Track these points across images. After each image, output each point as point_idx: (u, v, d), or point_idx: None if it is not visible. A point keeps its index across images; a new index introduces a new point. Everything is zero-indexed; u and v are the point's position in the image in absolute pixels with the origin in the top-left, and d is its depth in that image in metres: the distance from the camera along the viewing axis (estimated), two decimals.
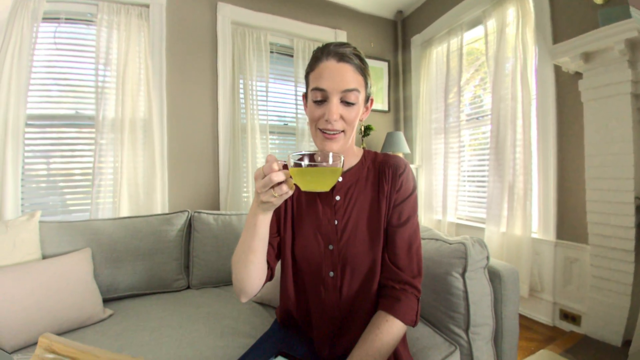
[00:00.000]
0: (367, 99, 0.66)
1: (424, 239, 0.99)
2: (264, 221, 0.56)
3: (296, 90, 2.12)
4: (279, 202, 0.51)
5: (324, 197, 0.67)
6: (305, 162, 0.49)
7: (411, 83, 2.50)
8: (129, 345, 0.86)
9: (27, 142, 1.46)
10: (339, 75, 0.59)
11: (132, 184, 1.60)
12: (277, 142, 2.12)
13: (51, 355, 0.27)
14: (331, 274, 0.65)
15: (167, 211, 1.67)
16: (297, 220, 0.69)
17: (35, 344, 0.79)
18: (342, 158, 0.51)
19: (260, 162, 1.91)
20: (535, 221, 1.68)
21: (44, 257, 1.10)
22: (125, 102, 1.57)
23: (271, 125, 2.02)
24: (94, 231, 1.21)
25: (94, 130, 1.54)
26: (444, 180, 2.15)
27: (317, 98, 0.60)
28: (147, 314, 1.06)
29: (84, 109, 1.60)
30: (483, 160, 2.01)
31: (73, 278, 1.03)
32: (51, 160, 1.55)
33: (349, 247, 0.64)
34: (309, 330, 0.70)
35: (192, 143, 1.84)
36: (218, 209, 1.77)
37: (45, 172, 1.53)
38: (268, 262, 0.67)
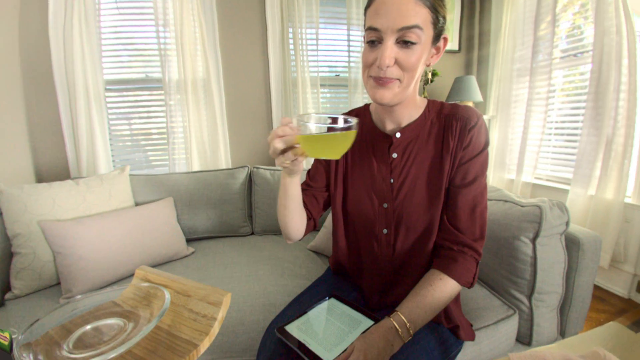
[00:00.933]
0: (438, 37, 0.54)
1: (490, 200, 0.92)
2: (291, 184, 0.57)
3: (349, 35, 1.95)
4: (295, 167, 0.50)
5: (380, 154, 0.64)
6: (311, 126, 0.44)
7: (490, 13, 2.08)
8: (208, 278, 1.03)
9: (109, 105, 1.67)
10: (396, 10, 0.48)
11: (199, 141, 1.75)
12: (328, 95, 2.06)
13: (146, 284, 0.33)
14: (385, 231, 0.65)
15: (230, 166, 1.81)
16: (350, 177, 0.68)
17: (131, 275, 1.00)
18: (356, 121, 0.44)
19: None
20: (631, 184, 1.42)
21: (136, 205, 1.32)
22: (185, 62, 1.65)
23: (322, 77, 1.94)
24: (173, 183, 1.39)
25: (163, 92, 1.68)
26: (523, 133, 1.87)
27: (370, 38, 0.52)
28: (221, 253, 1.23)
29: (152, 72, 1.73)
30: (577, 108, 1.67)
31: (161, 221, 1.22)
32: (132, 121, 1.76)
33: (404, 207, 0.62)
34: (359, 279, 0.74)
35: (247, 100, 1.90)
36: (274, 164, 1.86)
37: (128, 132, 1.76)
38: (310, 214, 0.69)
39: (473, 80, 1.96)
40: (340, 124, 0.43)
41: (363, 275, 0.71)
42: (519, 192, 1.92)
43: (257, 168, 1.49)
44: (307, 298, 0.73)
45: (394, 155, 0.63)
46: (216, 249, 1.28)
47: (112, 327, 0.27)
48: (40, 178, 1.62)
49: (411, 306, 0.56)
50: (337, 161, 0.69)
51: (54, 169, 1.64)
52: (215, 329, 0.26)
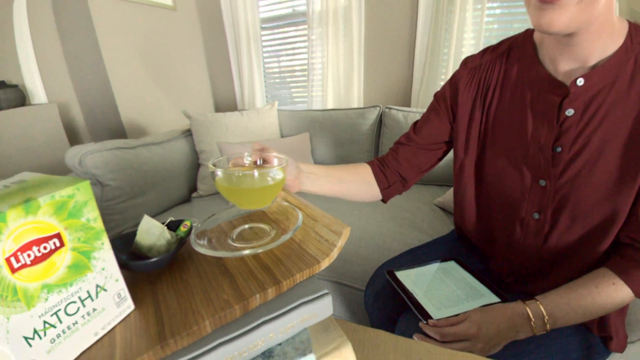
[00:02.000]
0: None
1: None
2: (311, 188, 0.55)
3: None
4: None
5: (542, 111, 0.46)
6: (218, 171, 0.34)
7: None
8: (332, 210, 1.15)
9: (263, 43, 1.89)
10: None
11: (335, 78, 1.80)
12: (497, 11, 1.61)
13: (286, 203, 0.39)
14: (536, 215, 0.50)
15: (362, 105, 1.81)
16: (490, 139, 0.52)
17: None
18: (284, 161, 0.37)
19: (468, 45, 1.56)
20: None
21: (282, 136, 1.54)
22: None
23: None
24: (310, 119, 1.53)
25: (306, 26, 1.75)
26: None
27: None
28: None
29: (297, 6, 1.81)
30: None
31: (299, 153, 1.40)
32: (280, 58, 1.96)
33: (575, 187, 0.45)
34: (489, 257, 0.63)
35: (388, 28, 1.74)
36: (409, 105, 1.72)
37: (277, 69, 1.99)
38: (400, 175, 0.61)
39: None
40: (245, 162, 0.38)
41: (495, 254, 0.60)
42: None
43: (390, 109, 1.42)
44: (424, 253, 0.70)
45: (569, 112, 0.44)
46: None
47: (262, 229, 0.35)
48: (218, 109, 2.11)
49: (559, 301, 0.45)
50: (470, 115, 0.53)
51: (226, 102, 2.09)
52: (334, 253, 0.28)
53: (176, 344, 0.22)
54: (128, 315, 0.25)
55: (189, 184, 1.39)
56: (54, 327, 0.20)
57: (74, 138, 1.82)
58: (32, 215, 0.18)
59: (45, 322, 0.19)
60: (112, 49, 1.72)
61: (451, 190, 1.14)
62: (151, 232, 0.30)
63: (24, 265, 0.18)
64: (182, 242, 0.31)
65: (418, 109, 1.42)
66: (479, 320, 0.45)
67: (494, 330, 0.44)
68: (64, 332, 0.20)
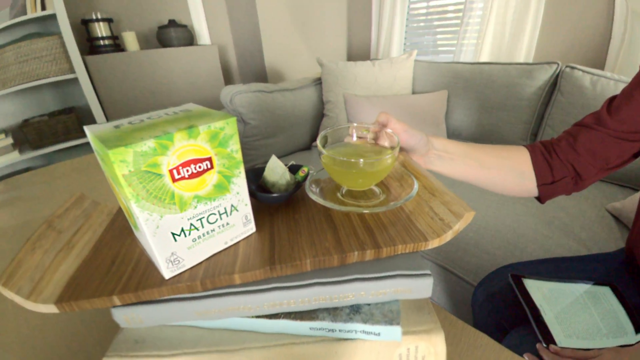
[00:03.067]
0: None
1: None
2: (442, 168, 0.49)
3: None
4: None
5: None
6: (322, 148, 0.35)
7: None
8: (458, 188, 1.05)
9: None
10: None
11: (499, 22, 1.49)
12: None
13: (403, 168, 0.38)
14: None
15: (531, 60, 1.47)
16: None
17: None
18: (396, 142, 0.35)
19: None
20: None
21: (413, 92, 1.44)
22: None
23: None
24: (453, 74, 1.36)
25: None
26: None
27: None
28: None
29: None
30: None
31: (429, 114, 1.30)
32: None
33: None
34: None
35: None
36: (602, 67, 1.29)
37: (424, 11, 1.80)
38: (574, 168, 0.47)
39: None
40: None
41: None
42: None
43: (572, 68, 1.11)
44: (571, 267, 0.58)
45: None
46: None
47: (372, 190, 0.36)
48: (350, 57, 2.12)
49: None
50: None
51: (359, 50, 2.07)
52: (448, 236, 0.27)
53: (281, 270, 0.27)
54: (250, 235, 0.31)
55: (312, 132, 1.51)
56: (197, 229, 0.27)
57: (227, 78, 2.22)
58: (193, 139, 0.24)
59: (191, 224, 0.26)
60: None
61: (636, 196, 0.85)
62: (276, 170, 0.35)
63: (183, 178, 0.25)
64: (298, 185, 0.36)
65: (614, 74, 1.05)
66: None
67: None
68: (203, 235, 0.28)
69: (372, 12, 1.87)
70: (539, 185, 0.50)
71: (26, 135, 1.52)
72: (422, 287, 0.27)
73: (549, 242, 0.80)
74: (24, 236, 0.28)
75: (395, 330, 0.26)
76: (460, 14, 1.61)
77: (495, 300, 0.58)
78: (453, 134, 1.38)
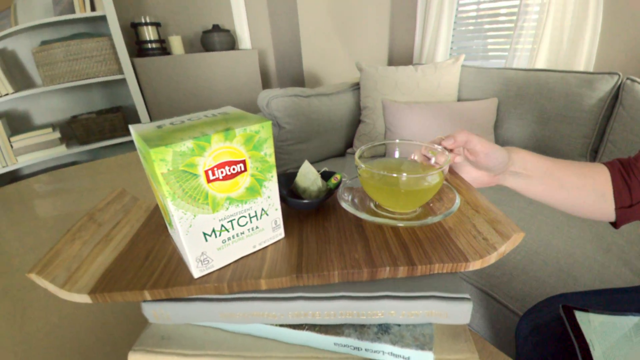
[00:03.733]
0: None
1: None
2: (515, 185, 0.45)
3: None
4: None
5: None
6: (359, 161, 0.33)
7: None
8: (505, 205, 0.99)
9: None
10: None
11: (557, 27, 1.41)
12: None
13: (444, 181, 0.37)
14: None
15: (591, 69, 1.36)
16: None
17: None
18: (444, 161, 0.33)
19: None
20: None
21: (459, 100, 1.39)
22: None
23: None
24: (505, 81, 1.30)
25: None
26: None
27: None
28: None
29: None
30: None
31: (476, 124, 1.25)
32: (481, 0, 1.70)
33: None
34: None
35: None
36: None
37: (474, 14, 1.74)
38: None
39: None
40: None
41: None
42: None
43: (633, 81, 1.02)
44: (624, 298, 0.53)
45: None
46: None
47: None
48: (391, 62, 2.11)
49: None
50: None
51: (401, 54, 2.05)
52: (492, 258, 0.25)
53: (308, 279, 0.27)
54: (278, 241, 0.32)
55: (347, 139, 1.51)
56: (227, 231, 0.28)
57: (265, 82, 2.30)
58: (229, 142, 0.25)
59: (222, 225, 0.27)
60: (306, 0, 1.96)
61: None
62: (308, 176, 0.36)
63: (217, 179, 0.26)
64: (330, 193, 0.36)
65: None
66: None
67: None
68: (233, 237, 0.28)
69: (417, 15, 1.85)
70: (616, 209, 0.46)
71: (74, 130, 1.68)
72: (460, 312, 0.26)
73: (605, 271, 0.73)
74: (64, 227, 0.31)
75: (427, 356, 0.25)
76: (514, 17, 1.54)
77: (542, 333, 0.54)
78: (503, 146, 1.31)
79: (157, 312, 0.28)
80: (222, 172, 0.26)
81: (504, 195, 1.03)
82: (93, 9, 1.53)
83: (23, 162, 1.56)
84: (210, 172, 0.25)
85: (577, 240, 0.83)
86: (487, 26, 1.71)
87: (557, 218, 0.91)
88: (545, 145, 1.22)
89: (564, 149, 1.18)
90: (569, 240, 0.83)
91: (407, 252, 0.28)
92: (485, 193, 1.05)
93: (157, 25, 1.75)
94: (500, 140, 1.31)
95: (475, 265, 0.26)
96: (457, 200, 0.32)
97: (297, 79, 2.27)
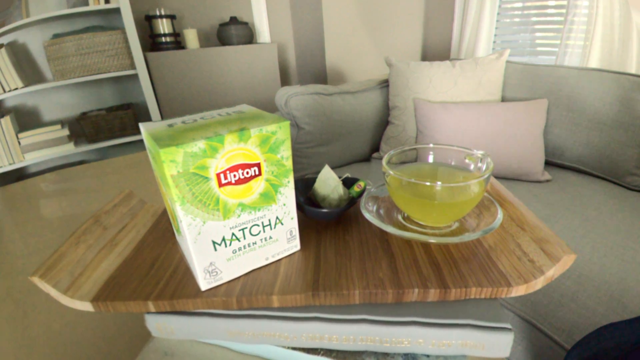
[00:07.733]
0: None
1: None
2: None
3: None
4: None
5: None
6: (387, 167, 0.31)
7: None
8: (556, 221, 0.95)
9: None
10: None
11: (607, 24, 1.35)
12: None
13: (485, 193, 0.36)
14: None
15: None
16: None
17: None
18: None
19: None
20: None
21: (503, 100, 1.36)
22: None
23: None
24: (555, 80, 1.26)
25: None
26: None
27: None
28: (588, 197, 1.06)
29: None
30: None
31: (523, 128, 1.21)
32: None
33: None
34: None
35: None
36: None
37: (520, 5, 1.70)
38: None
39: None
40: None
41: None
42: None
43: None
44: None
45: None
46: (583, 191, 1.11)
47: None
48: (425, 56, 2.09)
49: None
50: None
51: (437, 48, 2.03)
52: (539, 283, 0.24)
53: (325, 298, 0.27)
54: (293, 254, 0.32)
55: (372, 142, 1.50)
56: (239, 240, 0.28)
57: (285, 78, 2.34)
58: (244, 143, 0.26)
59: (233, 234, 0.28)
60: None
61: None
62: (328, 183, 0.36)
63: (229, 183, 0.26)
64: (352, 202, 0.36)
65: None
66: None
67: None
68: (244, 247, 0.29)
69: (456, 5, 1.82)
70: None
71: (83, 128, 1.76)
72: (499, 343, 0.25)
73: None
74: (69, 229, 0.32)
75: None
76: (563, 10, 1.49)
77: None
78: (553, 154, 1.26)
79: (160, 325, 0.28)
80: (234, 176, 0.26)
81: (553, 211, 0.99)
82: (107, 0, 1.61)
83: (30, 159, 1.65)
84: (222, 175, 0.26)
85: (629, 264, 0.78)
86: (534, 19, 1.67)
87: (611, 238, 0.87)
88: (600, 154, 1.16)
89: (619, 159, 1.13)
90: (623, 261, 0.79)
91: (439, 272, 0.27)
92: (531, 207, 1.01)
93: (172, 17, 1.82)
94: (550, 146, 1.27)
95: (518, 290, 0.25)
96: (500, 215, 0.31)
97: (319, 75, 2.28)
